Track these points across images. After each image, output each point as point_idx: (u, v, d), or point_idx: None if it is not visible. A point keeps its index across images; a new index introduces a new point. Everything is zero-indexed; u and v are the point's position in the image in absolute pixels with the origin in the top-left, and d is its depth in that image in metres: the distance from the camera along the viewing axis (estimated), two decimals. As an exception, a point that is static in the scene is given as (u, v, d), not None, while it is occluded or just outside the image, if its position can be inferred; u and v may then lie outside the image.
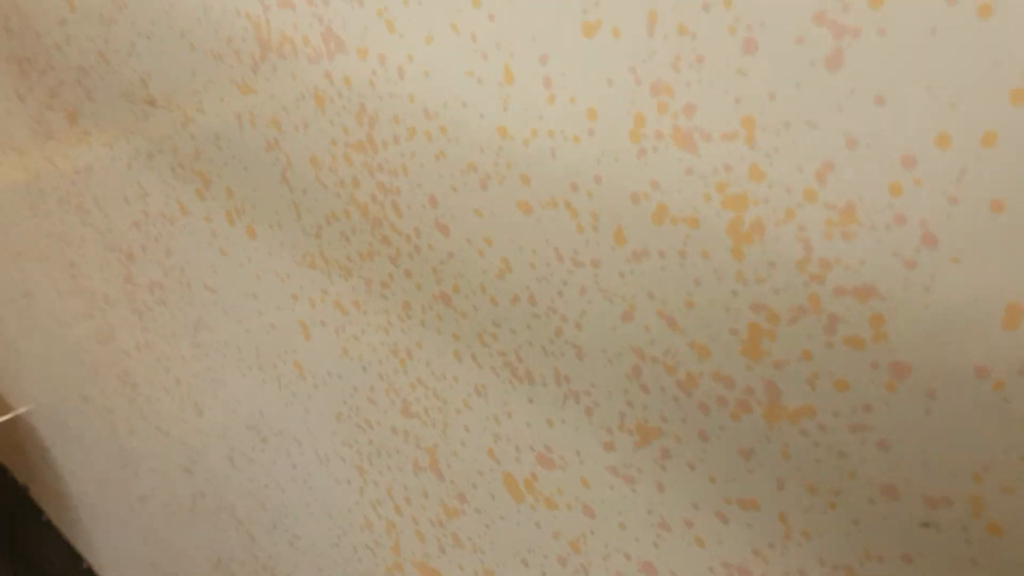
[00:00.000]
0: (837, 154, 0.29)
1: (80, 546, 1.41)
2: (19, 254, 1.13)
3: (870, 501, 0.34)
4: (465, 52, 0.41)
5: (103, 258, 0.92)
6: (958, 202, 0.27)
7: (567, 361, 0.44)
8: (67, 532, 1.41)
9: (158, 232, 0.78)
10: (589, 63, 0.36)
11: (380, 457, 0.63)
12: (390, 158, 0.48)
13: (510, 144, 0.41)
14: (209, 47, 0.57)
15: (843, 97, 0.28)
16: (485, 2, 0.39)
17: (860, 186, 0.29)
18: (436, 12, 0.42)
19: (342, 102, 0.49)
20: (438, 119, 0.44)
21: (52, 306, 1.13)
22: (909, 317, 0.30)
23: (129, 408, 1.10)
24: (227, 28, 0.55)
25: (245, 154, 0.59)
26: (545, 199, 0.41)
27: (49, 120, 0.86)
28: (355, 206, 0.53)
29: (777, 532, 0.38)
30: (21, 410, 1.37)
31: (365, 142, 0.49)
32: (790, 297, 0.33)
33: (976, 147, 0.26)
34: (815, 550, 0.37)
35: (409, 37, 0.43)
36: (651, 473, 0.42)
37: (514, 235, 0.44)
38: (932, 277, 0.29)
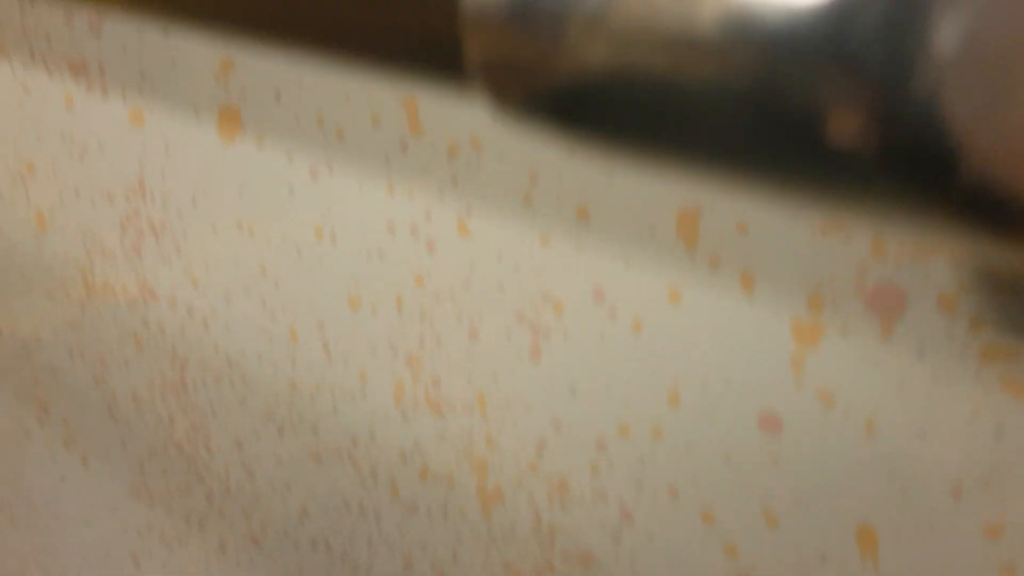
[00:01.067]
0: (548, 433, 0.32)
1: None
2: None
3: None
4: (257, 312, 0.44)
5: (-47, 475, 0.89)
6: (643, 486, 0.30)
7: (364, 607, 0.44)
8: None
9: (6, 453, 0.76)
10: (356, 333, 0.39)
11: None
12: (200, 401, 0.50)
13: (299, 397, 0.43)
14: (42, 285, 0.59)
15: (546, 385, 0.31)
16: (270, 271, 0.42)
17: (569, 463, 0.31)
18: (231, 275, 0.44)
19: (157, 346, 0.51)
20: (239, 368, 0.46)
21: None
22: (624, 587, 0.31)
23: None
24: (59, 270, 0.57)
25: (76, 386, 0.60)
26: (332, 450, 0.43)
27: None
28: (172, 443, 0.53)
29: None
30: None
31: (179, 384, 0.51)
32: (532, 559, 0.34)
33: (649, 439, 0.29)
34: None
35: (210, 294, 0.46)
36: None
37: (309, 482, 0.45)
38: (635, 552, 0.31)
